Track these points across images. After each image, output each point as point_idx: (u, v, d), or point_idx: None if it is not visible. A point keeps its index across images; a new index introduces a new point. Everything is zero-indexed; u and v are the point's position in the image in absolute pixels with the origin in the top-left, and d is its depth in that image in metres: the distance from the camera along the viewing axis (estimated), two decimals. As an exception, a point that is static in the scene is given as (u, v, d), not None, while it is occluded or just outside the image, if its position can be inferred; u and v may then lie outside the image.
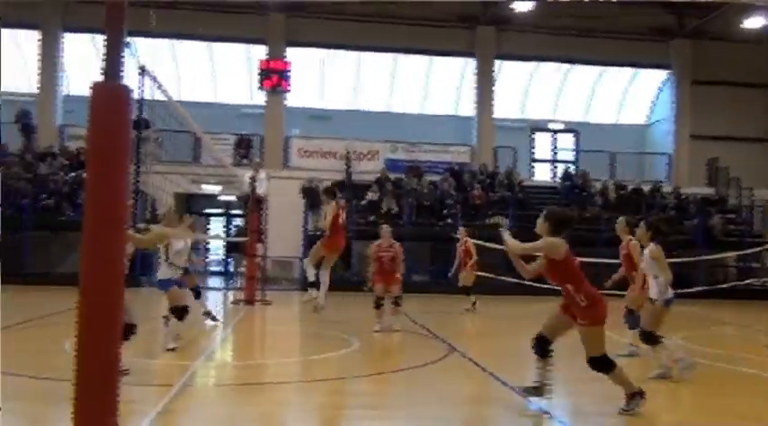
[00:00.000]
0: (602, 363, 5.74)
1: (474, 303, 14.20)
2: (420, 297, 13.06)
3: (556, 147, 26.96)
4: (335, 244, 9.94)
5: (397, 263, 10.97)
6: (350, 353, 8.96)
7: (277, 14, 23.59)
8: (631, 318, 8.69)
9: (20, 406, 5.80)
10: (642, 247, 7.62)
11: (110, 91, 4.03)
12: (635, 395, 5.77)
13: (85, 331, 3.86)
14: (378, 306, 10.78)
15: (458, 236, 14.76)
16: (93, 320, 3.86)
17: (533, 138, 26.85)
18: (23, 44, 23.89)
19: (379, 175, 21.96)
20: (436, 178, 22.44)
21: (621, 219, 9.08)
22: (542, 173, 26.59)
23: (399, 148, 23.85)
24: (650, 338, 7.24)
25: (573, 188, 23.27)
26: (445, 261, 19.09)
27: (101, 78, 4.04)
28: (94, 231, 3.89)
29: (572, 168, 24.98)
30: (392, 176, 22.15)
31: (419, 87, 25.88)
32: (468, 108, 25.49)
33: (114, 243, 3.94)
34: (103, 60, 4.02)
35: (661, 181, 24.05)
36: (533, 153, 26.68)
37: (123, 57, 4.03)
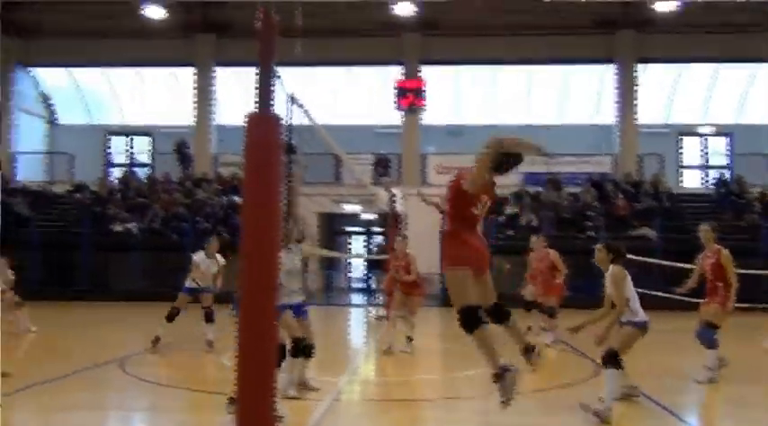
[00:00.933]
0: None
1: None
2: (563, 311, 12.66)
3: (707, 152, 25.35)
4: None
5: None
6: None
7: (412, 34, 24.03)
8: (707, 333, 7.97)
9: (185, 418, 6.26)
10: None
11: (262, 120, 4.30)
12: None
13: (244, 345, 4.13)
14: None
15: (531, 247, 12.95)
16: (252, 334, 4.12)
17: (681, 144, 25.42)
18: (181, 79, 25.93)
19: (517, 189, 21.68)
20: (577, 189, 21.80)
21: (707, 227, 8.61)
22: (692, 181, 25.09)
23: (537, 161, 23.32)
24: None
25: (728, 194, 21.76)
26: (588, 274, 18.47)
27: (253, 109, 4.33)
28: (251, 252, 4.17)
29: (726, 173, 23.36)
30: (531, 189, 21.78)
31: (556, 97, 25.33)
32: (608, 115, 24.59)
33: (270, 263, 4.19)
34: (256, 92, 4.31)
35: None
36: (681, 159, 25.25)
37: (274, 88, 4.31)
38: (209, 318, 10.26)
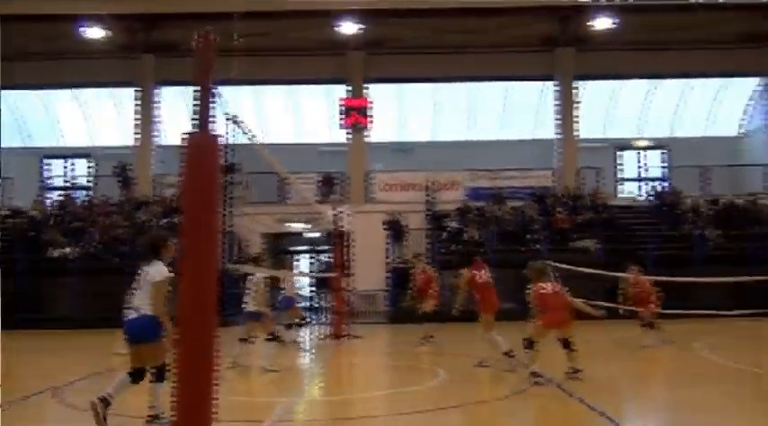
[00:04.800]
0: None
1: (428, 336, 13.16)
2: (506, 325, 12.85)
3: (643, 165, 26.20)
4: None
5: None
6: (438, 385, 8.94)
7: (356, 53, 24.17)
8: None
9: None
10: None
11: (200, 140, 4.29)
12: None
13: (182, 368, 4.07)
14: None
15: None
16: (190, 356, 4.07)
17: (619, 157, 26.21)
18: (121, 100, 25.46)
19: (460, 205, 21.93)
20: (519, 204, 22.20)
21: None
22: (629, 193, 25.87)
23: (480, 176, 23.77)
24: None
25: (662, 205, 22.49)
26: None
27: (191, 129, 4.31)
28: (190, 271, 4.13)
29: (661, 185, 24.16)
30: (474, 204, 22.07)
31: (498, 113, 25.82)
32: (548, 130, 25.18)
33: (208, 283, 4.16)
34: (194, 111, 4.30)
35: (758, 194, 22.86)
36: (619, 172, 26.01)
37: (212, 107, 4.30)
38: None
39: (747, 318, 16.87)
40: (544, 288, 8.97)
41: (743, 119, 26.27)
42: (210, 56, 4.26)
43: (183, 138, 4.25)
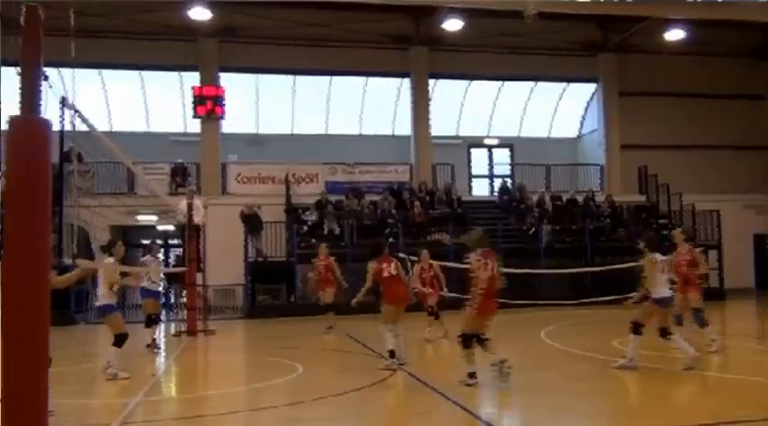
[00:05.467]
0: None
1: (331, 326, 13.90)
2: (364, 317, 13.01)
3: (492, 163, 27.45)
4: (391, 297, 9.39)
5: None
6: (295, 379, 8.86)
7: (208, 40, 23.38)
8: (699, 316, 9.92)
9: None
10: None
11: (28, 125, 3.92)
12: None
13: (9, 370, 3.70)
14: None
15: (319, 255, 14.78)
16: (17, 358, 3.71)
17: (470, 155, 27.28)
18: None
19: (319, 198, 21.90)
20: (377, 198, 22.51)
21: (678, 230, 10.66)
22: (480, 189, 27.01)
23: (339, 170, 23.84)
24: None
25: (510, 201, 23.69)
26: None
27: (18, 113, 3.93)
28: (16, 267, 3.76)
29: (509, 182, 25.45)
30: (333, 198, 22.11)
31: (355, 108, 26.00)
32: (405, 127, 25.72)
33: (38, 280, 3.81)
34: (20, 93, 3.91)
35: (594, 191, 24.70)
36: (471, 169, 27.10)
37: (40, 89, 3.93)
38: None
39: (586, 307, 18.22)
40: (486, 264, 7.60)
41: (580, 122, 28.21)
42: (38, 33, 3.89)
43: (8, 122, 3.86)
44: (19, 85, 3.87)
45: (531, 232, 21.87)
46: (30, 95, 3.88)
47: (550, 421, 6.28)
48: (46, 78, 3.99)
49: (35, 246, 3.80)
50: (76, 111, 4.76)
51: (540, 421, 6.41)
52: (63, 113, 4.66)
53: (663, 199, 24.28)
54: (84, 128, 5.28)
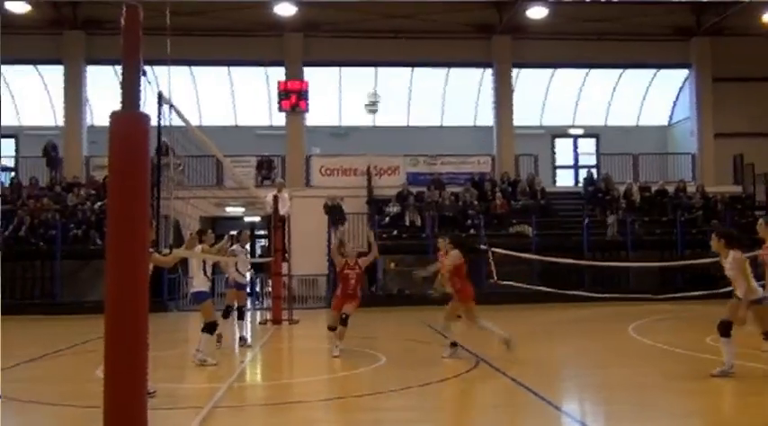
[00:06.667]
0: None
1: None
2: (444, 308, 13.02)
3: (577, 153, 26.82)
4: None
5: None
6: (379, 368, 8.96)
7: (293, 35, 23.85)
8: None
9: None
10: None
11: (128, 119, 4.12)
12: None
13: (112, 353, 3.93)
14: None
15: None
16: (120, 343, 3.93)
17: (554, 145, 26.74)
18: (48, 78, 24.46)
19: (400, 189, 22.00)
20: (458, 189, 22.42)
21: (762, 221, 8.54)
22: (564, 179, 26.43)
23: (420, 162, 23.87)
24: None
25: (596, 192, 23.09)
26: (471, 271, 19.02)
27: (119, 108, 4.14)
28: (118, 256, 3.97)
29: (594, 172, 24.80)
30: (414, 190, 22.17)
31: (437, 99, 25.94)
32: (487, 117, 25.46)
33: (137, 266, 4.01)
34: (122, 90, 4.12)
35: (686, 182, 23.73)
36: (555, 159, 26.56)
37: (140, 86, 4.13)
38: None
39: (675, 302, 17.58)
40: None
41: (671, 110, 27.13)
42: (137, 32, 4.09)
43: (110, 118, 4.08)
44: (120, 82, 4.09)
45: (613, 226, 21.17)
46: (130, 91, 4.09)
47: (636, 419, 6.12)
48: (144, 74, 4.19)
49: (135, 234, 4.00)
50: (173, 107, 4.97)
51: (625, 418, 6.24)
52: (160, 109, 4.88)
53: (760, 190, 23.09)
54: (178, 122, 5.50)
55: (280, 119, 24.46)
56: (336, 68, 24.91)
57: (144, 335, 4.07)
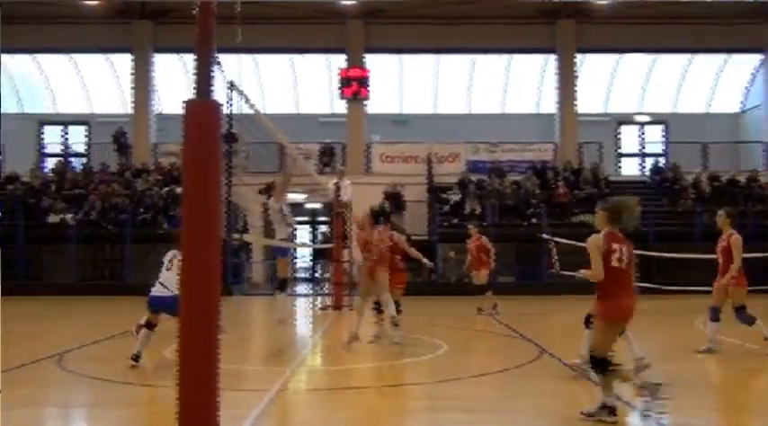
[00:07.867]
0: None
1: (495, 305, 13.47)
2: (506, 298, 12.92)
3: (644, 140, 26.11)
4: None
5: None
6: (440, 357, 8.97)
7: (355, 22, 23.91)
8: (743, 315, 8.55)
9: (125, 413, 6.12)
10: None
11: (201, 107, 4.22)
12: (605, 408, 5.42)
13: (186, 336, 4.04)
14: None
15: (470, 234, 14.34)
16: (193, 325, 4.05)
17: (619, 132, 26.09)
18: (117, 67, 25.21)
19: (461, 177, 21.86)
20: (519, 177, 22.13)
21: (722, 211, 8.92)
22: (630, 168, 25.79)
23: (481, 149, 23.65)
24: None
25: (663, 181, 22.44)
26: (532, 261, 18.83)
27: (192, 96, 4.23)
28: (191, 241, 4.08)
29: (661, 161, 24.08)
30: (474, 177, 22.00)
31: (499, 86, 25.62)
32: (549, 105, 25.03)
33: (210, 252, 4.11)
34: (195, 78, 4.21)
35: (759, 171, 22.81)
36: (619, 147, 25.93)
37: (213, 75, 4.21)
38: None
39: (750, 295, 16.93)
40: None
41: (744, 96, 26.09)
42: (211, 23, 4.16)
43: (184, 106, 4.17)
44: (193, 70, 4.18)
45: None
46: (203, 80, 4.17)
47: (703, 417, 5.94)
48: (218, 64, 4.28)
49: (209, 220, 4.10)
50: (243, 95, 5.06)
51: (690, 415, 6.07)
52: (231, 97, 4.97)
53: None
54: (246, 110, 5.59)
55: (341, 107, 24.61)
56: (397, 56, 24.88)
57: (215, 317, 4.18)
